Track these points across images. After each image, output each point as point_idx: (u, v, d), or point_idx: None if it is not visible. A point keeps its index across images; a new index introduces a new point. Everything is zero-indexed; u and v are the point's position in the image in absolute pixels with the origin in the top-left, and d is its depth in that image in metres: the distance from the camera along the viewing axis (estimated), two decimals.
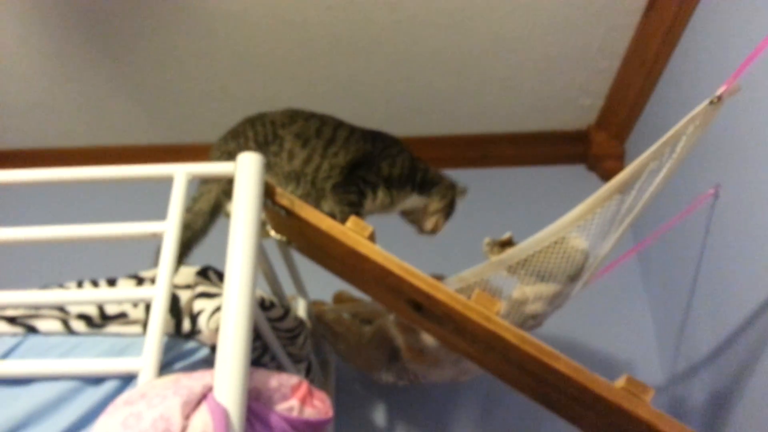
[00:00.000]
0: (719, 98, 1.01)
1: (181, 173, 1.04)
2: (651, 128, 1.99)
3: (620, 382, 0.90)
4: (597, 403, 0.91)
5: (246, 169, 1.00)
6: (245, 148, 1.28)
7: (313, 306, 1.64)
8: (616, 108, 2.08)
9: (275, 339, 1.14)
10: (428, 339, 1.44)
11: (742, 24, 1.43)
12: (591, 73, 2.01)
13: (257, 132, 1.31)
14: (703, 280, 1.66)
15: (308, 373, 1.45)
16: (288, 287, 1.52)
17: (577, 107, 2.16)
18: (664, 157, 1.07)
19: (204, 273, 1.09)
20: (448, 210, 1.39)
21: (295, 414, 0.94)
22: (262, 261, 1.15)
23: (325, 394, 1.02)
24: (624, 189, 1.12)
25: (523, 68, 1.99)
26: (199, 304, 1.00)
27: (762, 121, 1.38)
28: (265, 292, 1.13)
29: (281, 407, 0.93)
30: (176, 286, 1.08)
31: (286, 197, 1.05)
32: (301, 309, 1.55)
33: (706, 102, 1.02)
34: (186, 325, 1.00)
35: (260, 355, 1.12)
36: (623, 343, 1.96)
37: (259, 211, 0.97)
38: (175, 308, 1.02)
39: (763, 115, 1.37)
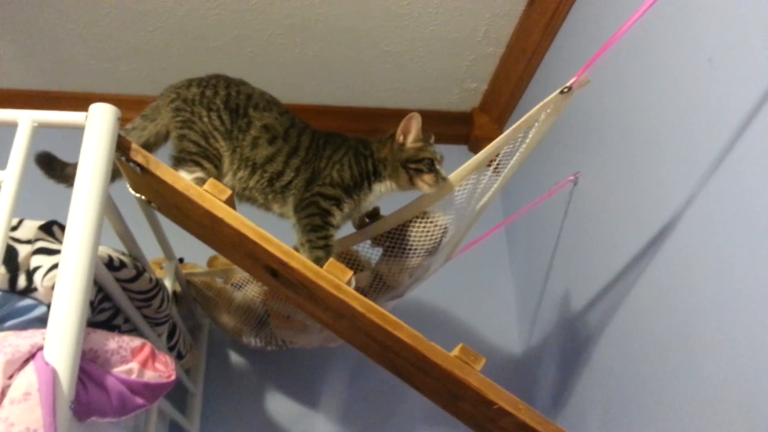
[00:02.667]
0: (569, 88, 1.08)
1: (26, 120, 0.97)
2: None
3: (455, 351, 0.96)
4: (434, 369, 0.97)
5: (98, 121, 0.95)
6: (210, 102, 1.21)
7: (184, 269, 1.61)
8: (498, 93, 2.17)
9: (128, 300, 1.10)
10: (293, 306, 1.46)
11: (612, 21, 1.53)
12: (477, 57, 2.08)
13: (230, 95, 1.23)
14: (559, 259, 1.79)
15: (171, 337, 1.42)
16: (156, 250, 1.49)
17: (463, 89, 2.23)
18: (517, 142, 1.13)
19: (48, 228, 1.03)
20: (415, 169, 1.20)
21: (134, 376, 0.92)
22: (114, 218, 1.11)
23: (170, 358, 1.01)
24: (480, 169, 1.18)
25: (414, 46, 2.02)
26: (36, 260, 0.95)
27: (617, 112, 1.49)
28: (120, 252, 1.09)
29: (119, 369, 0.91)
30: (18, 240, 1.02)
31: (141, 153, 1.01)
32: (168, 271, 1.51)
33: (557, 91, 1.08)
34: (22, 281, 0.94)
35: (111, 317, 1.09)
36: (487, 311, 2.09)
37: (108, 165, 0.92)
38: (11, 262, 0.96)
39: (618, 105, 1.49)
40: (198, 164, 1.17)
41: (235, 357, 1.92)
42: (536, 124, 1.11)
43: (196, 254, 1.71)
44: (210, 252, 1.69)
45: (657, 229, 1.29)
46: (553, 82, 1.90)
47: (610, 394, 1.45)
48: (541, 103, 1.08)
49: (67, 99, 2.19)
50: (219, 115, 1.21)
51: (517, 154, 1.14)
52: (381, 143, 1.26)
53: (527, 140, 1.12)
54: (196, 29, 1.95)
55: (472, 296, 2.12)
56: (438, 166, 1.20)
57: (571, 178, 1.67)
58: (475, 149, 2.33)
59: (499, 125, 2.26)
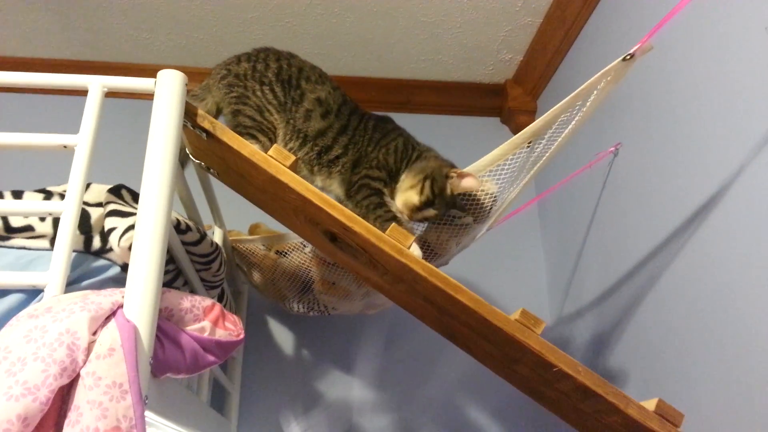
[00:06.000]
0: (632, 56, 1.08)
1: (96, 85, 1.00)
2: (562, 87, 2.09)
3: (516, 314, 0.98)
4: (493, 333, 0.99)
5: (167, 87, 0.97)
6: (261, 75, 1.22)
7: (229, 235, 1.64)
8: (533, 64, 2.16)
9: (190, 263, 1.14)
10: (340, 272, 1.49)
11: None
12: (514, 28, 2.06)
13: (282, 68, 1.23)
14: (595, 232, 1.80)
15: (221, 301, 1.46)
16: (205, 216, 1.51)
17: (497, 61, 2.22)
18: (575, 109, 1.14)
19: (117, 191, 1.06)
20: (423, 186, 1.14)
21: (206, 334, 0.95)
22: (179, 184, 1.13)
23: (238, 318, 1.04)
24: (535, 138, 1.19)
25: (451, 16, 2.01)
26: (111, 222, 0.97)
27: (662, 83, 1.49)
28: (181, 216, 1.12)
29: (192, 327, 0.94)
30: (87, 204, 1.05)
31: (208, 119, 1.03)
32: (217, 237, 1.54)
33: (619, 58, 1.08)
34: (96, 242, 0.97)
35: (173, 279, 1.12)
36: (517, 286, 2.12)
37: (179, 130, 0.94)
38: (85, 224, 0.99)
39: (665, 76, 1.48)
40: (254, 137, 1.19)
41: (273, 323, 1.96)
42: (594, 92, 1.11)
43: (238, 221, 1.74)
44: (253, 218, 1.72)
45: (700, 203, 1.30)
46: (591, 55, 1.90)
47: (648, 365, 1.48)
48: (602, 71, 1.08)
49: (104, 69, 2.20)
50: (272, 88, 1.22)
51: (573, 122, 1.14)
52: (437, 155, 1.24)
53: (584, 108, 1.13)
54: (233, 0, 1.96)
55: (503, 268, 2.14)
56: (431, 213, 1.16)
57: (612, 149, 1.67)
58: (507, 122, 2.33)
59: (533, 97, 2.25)
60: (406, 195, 1.15)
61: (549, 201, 2.15)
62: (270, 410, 1.84)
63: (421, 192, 1.13)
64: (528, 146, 1.20)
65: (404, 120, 2.29)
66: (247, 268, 1.66)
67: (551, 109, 1.13)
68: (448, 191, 1.16)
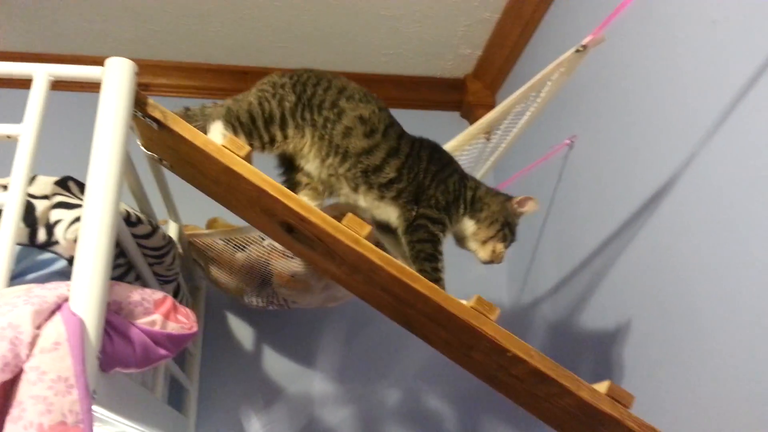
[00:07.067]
0: (585, 47, 1.11)
1: (41, 74, 0.97)
2: (521, 81, 2.07)
3: (471, 301, 0.99)
4: (449, 320, 1.00)
5: (115, 74, 0.95)
6: (296, 93, 1.18)
7: (186, 230, 1.61)
8: (492, 59, 2.19)
9: (141, 257, 1.11)
10: (299, 265, 1.48)
11: None
12: (473, 23, 2.08)
13: (316, 93, 1.19)
14: (552, 222, 1.84)
15: (176, 296, 1.43)
16: (161, 210, 1.48)
17: (457, 55, 2.24)
18: (529, 100, 1.15)
19: (64, 183, 1.03)
20: (505, 233, 1.20)
21: (157, 328, 0.93)
22: (129, 176, 1.11)
23: (191, 311, 1.02)
24: (491, 129, 1.20)
25: (411, 9, 2.01)
26: (56, 214, 0.95)
27: (615, 76, 1.52)
28: (131, 208, 1.10)
29: (143, 321, 0.92)
30: (32, 196, 1.02)
31: (159, 109, 1.00)
32: (172, 232, 1.51)
33: (572, 50, 1.10)
34: (41, 235, 0.94)
35: (124, 273, 1.09)
36: (476, 275, 2.12)
37: (127, 120, 0.92)
38: (29, 217, 0.96)
39: (617, 69, 1.51)
40: (235, 131, 1.14)
41: (232, 319, 1.94)
42: (549, 83, 1.13)
43: (195, 216, 1.71)
44: (210, 213, 1.69)
45: (651, 193, 1.34)
46: (548, 49, 1.93)
47: (603, 350, 1.52)
48: (555, 62, 1.10)
49: (56, 61, 2.12)
50: (302, 106, 1.18)
51: (528, 113, 1.16)
52: (492, 192, 1.24)
53: (539, 99, 1.15)
54: None
55: (463, 257, 2.15)
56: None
57: (568, 141, 1.71)
58: (467, 116, 2.35)
59: (492, 92, 2.28)
60: (492, 246, 1.20)
61: (508, 192, 2.18)
62: (230, 406, 1.82)
63: (505, 239, 1.20)
64: (485, 137, 1.21)
65: None
66: (205, 263, 1.64)
67: (506, 100, 1.15)
68: (516, 222, 1.22)
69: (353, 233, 1.00)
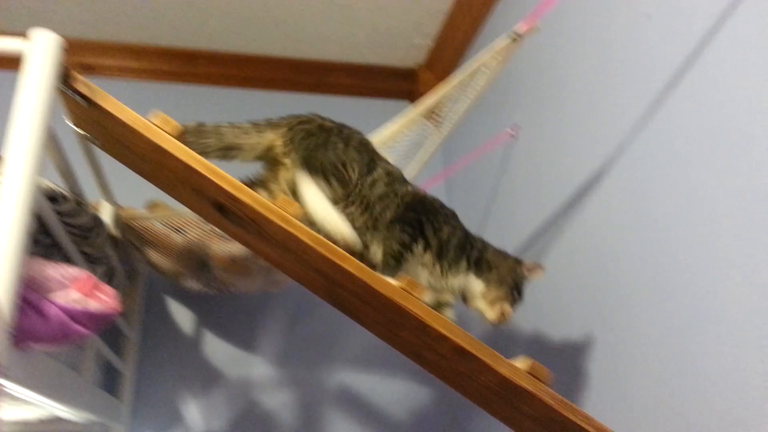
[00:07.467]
0: (519, 35, 1.12)
1: None
2: None
3: (402, 282, 1.00)
4: (377, 299, 1.01)
5: (41, 47, 0.93)
6: (344, 137, 1.17)
7: (123, 212, 1.58)
8: (443, 50, 2.21)
9: (66, 235, 1.09)
10: (238, 248, 1.47)
11: None
12: (425, 14, 2.10)
13: (363, 158, 1.17)
14: (495, 209, 1.87)
15: (111, 279, 1.41)
16: (95, 193, 1.45)
17: (409, 46, 2.25)
18: (466, 88, 1.17)
19: None
20: (513, 294, 1.21)
21: (75, 305, 0.92)
22: (55, 153, 1.08)
23: (114, 291, 1.00)
24: (429, 115, 1.21)
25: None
26: None
27: (553, 66, 1.56)
28: (56, 186, 1.07)
29: (60, 297, 0.90)
30: None
31: (85, 83, 0.98)
32: (106, 213, 1.48)
33: (504, 36, 1.12)
34: None
35: (49, 252, 1.07)
36: None
37: (51, 93, 0.90)
38: None
39: (555, 60, 1.55)
40: (328, 182, 1.15)
41: (173, 303, 1.91)
42: (487, 72, 1.15)
43: (134, 198, 1.68)
44: (148, 195, 1.66)
45: (582, 184, 1.37)
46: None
47: (536, 327, 1.56)
48: (491, 50, 1.11)
49: None
50: (357, 149, 1.18)
51: (467, 100, 1.18)
52: (500, 253, 1.25)
53: (477, 86, 1.16)
54: None
55: None
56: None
57: (509, 130, 1.74)
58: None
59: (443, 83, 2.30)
60: (501, 307, 1.20)
61: (456, 180, 2.21)
62: (168, 391, 1.80)
63: (514, 301, 1.20)
64: (433, 122, 1.22)
65: (316, 101, 2.31)
66: (141, 246, 1.61)
67: (443, 87, 1.16)
68: (523, 284, 1.23)
69: (282, 212, 1.00)
